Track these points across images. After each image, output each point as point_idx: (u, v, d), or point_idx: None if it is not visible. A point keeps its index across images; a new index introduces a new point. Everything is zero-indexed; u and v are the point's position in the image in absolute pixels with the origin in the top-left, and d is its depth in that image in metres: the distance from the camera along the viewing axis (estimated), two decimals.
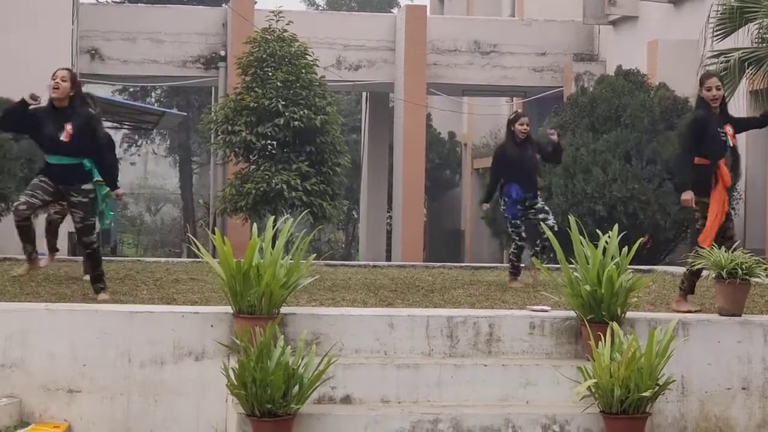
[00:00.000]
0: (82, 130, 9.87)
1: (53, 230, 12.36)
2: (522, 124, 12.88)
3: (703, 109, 10.02)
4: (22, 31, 20.46)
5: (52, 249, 12.33)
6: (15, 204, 10.15)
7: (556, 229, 12.26)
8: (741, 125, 10.47)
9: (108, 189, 10.66)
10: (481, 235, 29.70)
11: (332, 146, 19.01)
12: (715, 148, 9.94)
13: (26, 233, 10.32)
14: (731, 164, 10.18)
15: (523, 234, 12.87)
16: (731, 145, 9.99)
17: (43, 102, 9.82)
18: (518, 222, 12.82)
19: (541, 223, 12.41)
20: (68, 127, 9.81)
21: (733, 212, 10.89)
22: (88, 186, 10.03)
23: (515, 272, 12.86)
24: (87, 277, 12.13)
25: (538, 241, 12.84)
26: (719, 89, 9.97)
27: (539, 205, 12.87)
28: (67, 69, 10.05)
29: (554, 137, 13.06)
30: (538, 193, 13.07)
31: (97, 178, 10.30)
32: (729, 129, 9.99)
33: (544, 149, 13.11)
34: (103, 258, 10.54)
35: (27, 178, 17.41)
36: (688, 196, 9.81)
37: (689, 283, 10.02)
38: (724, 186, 9.91)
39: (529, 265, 12.67)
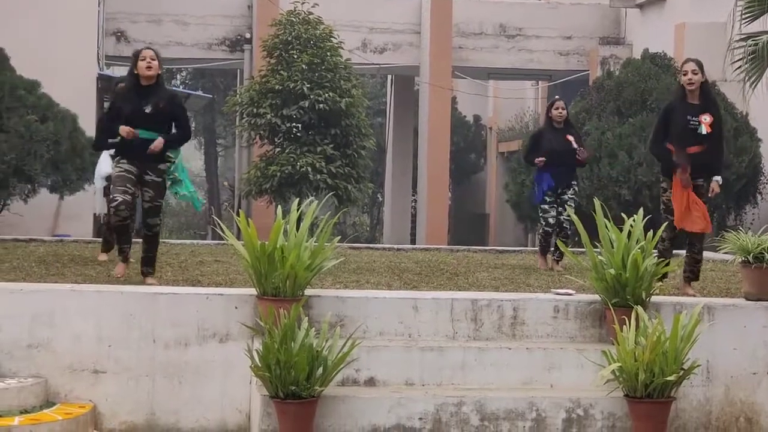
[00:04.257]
0: (166, 107, 9.94)
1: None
2: (557, 109, 12.80)
3: (674, 96, 10.15)
4: (49, 13, 20.47)
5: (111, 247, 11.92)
6: (113, 204, 9.86)
7: (566, 225, 12.45)
8: None
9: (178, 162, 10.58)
10: (505, 218, 29.66)
11: (357, 129, 18.99)
12: (682, 136, 9.97)
13: (125, 233, 10.15)
14: (708, 152, 10.09)
15: (551, 220, 12.65)
16: (704, 133, 9.96)
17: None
18: (546, 207, 12.67)
19: (559, 216, 12.56)
20: (154, 101, 9.88)
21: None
22: (163, 166, 10.00)
23: (542, 253, 12.81)
24: (103, 257, 12.01)
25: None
26: (695, 73, 9.97)
27: (566, 196, 12.68)
28: (152, 48, 10.18)
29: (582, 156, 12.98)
30: (573, 183, 12.81)
31: (172, 157, 10.24)
32: (706, 117, 9.96)
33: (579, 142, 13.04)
34: (132, 240, 10.53)
35: (53, 159, 17.47)
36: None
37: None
38: (683, 173, 9.92)
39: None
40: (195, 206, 11.20)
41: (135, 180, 9.91)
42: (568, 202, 12.61)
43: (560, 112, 12.77)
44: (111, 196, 10.03)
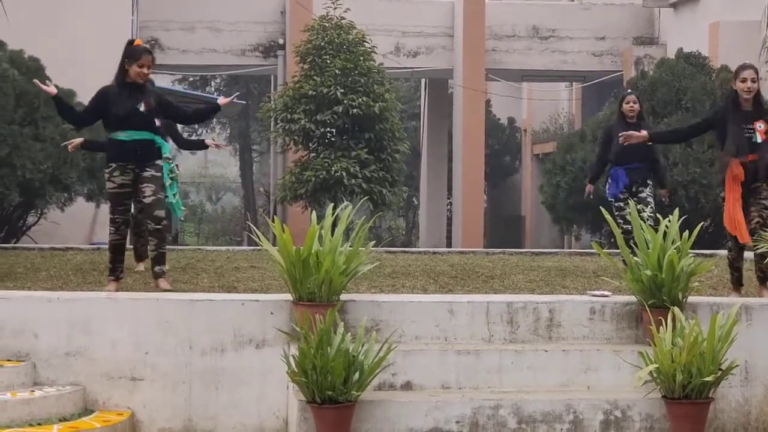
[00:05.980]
0: (155, 107, 9.80)
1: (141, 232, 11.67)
2: (629, 103, 12.49)
3: (725, 102, 9.88)
4: (83, 22, 20.62)
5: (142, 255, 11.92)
6: (113, 225, 9.76)
7: (650, 223, 11.24)
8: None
9: (171, 166, 10.64)
10: (541, 220, 29.59)
11: (391, 133, 19.01)
12: (736, 144, 9.78)
13: (121, 251, 9.92)
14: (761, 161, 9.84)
15: (629, 218, 11.70)
16: (758, 141, 9.77)
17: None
18: (621, 205, 12.23)
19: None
20: (146, 99, 9.73)
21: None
22: (160, 162, 9.85)
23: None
24: (140, 267, 12.00)
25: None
26: (754, 81, 9.76)
27: (644, 194, 12.37)
28: (152, 54, 9.99)
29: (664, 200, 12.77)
30: (649, 181, 12.53)
31: (166, 154, 10.24)
32: (761, 125, 9.75)
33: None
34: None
35: (89, 168, 17.58)
36: None
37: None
38: (735, 180, 9.75)
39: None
40: (176, 213, 11.30)
41: (131, 192, 9.73)
42: (647, 199, 12.25)
43: (632, 107, 12.40)
44: (112, 216, 9.83)
